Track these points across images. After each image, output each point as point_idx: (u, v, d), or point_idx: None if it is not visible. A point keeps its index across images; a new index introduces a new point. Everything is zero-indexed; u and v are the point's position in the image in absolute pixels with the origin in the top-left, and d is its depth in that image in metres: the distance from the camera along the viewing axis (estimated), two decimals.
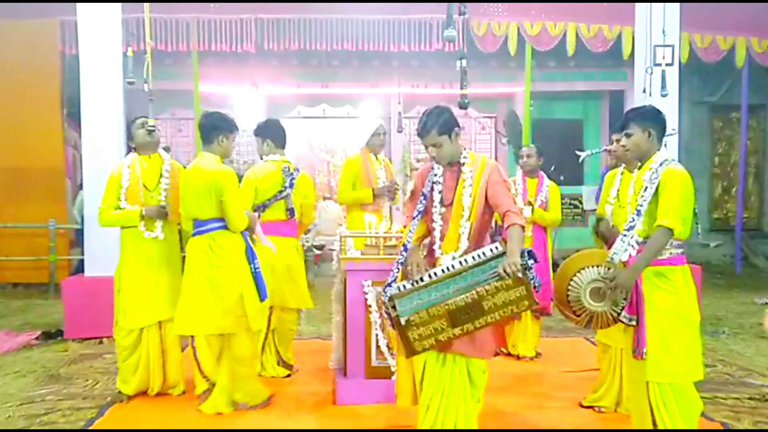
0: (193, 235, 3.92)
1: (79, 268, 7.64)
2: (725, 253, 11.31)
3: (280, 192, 4.53)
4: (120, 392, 4.23)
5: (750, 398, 4.20)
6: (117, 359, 4.29)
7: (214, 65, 9.96)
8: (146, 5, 4.70)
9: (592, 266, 2.95)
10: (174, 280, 4.19)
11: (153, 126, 4.25)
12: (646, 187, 2.90)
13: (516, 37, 8.84)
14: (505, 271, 2.74)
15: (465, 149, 3.18)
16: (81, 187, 8.19)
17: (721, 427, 3.72)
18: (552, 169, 4.48)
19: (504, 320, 2.96)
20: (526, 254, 2.81)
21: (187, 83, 9.13)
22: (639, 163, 3.06)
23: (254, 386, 4.08)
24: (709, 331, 6.15)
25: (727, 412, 3.95)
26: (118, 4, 6.11)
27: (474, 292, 2.80)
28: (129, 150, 4.44)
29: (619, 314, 2.92)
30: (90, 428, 3.77)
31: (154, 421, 3.86)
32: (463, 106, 4.12)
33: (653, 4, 5.86)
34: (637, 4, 6.62)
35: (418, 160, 12.17)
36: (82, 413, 3.98)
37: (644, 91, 5.17)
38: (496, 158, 12.66)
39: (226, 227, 3.84)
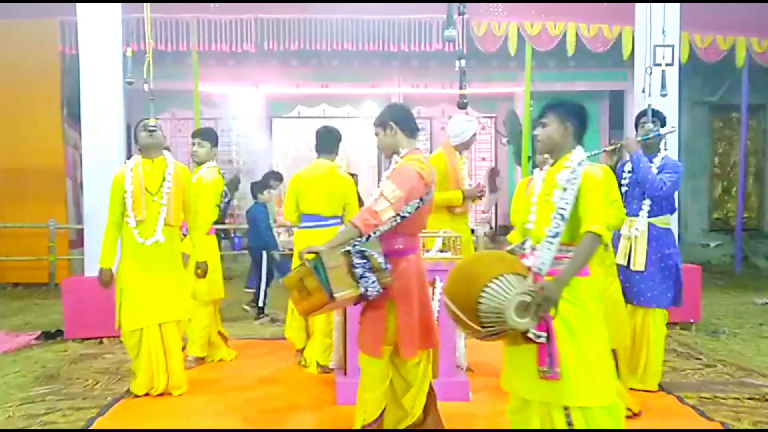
0: (310, 227, 4.63)
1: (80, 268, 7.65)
2: (725, 253, 11.31)
3: None
4: (128, 389, 4.29)
5: (750, 398, 4.20)
6: (118, 359, 4.30)
7: (214, 65, 9.97)
8: (146, 5, 4.68)
9: (514, 275, 2.62)
10: (174, 282, 4.20)
11: (153, 127, 4.23)
12: (565, 189, 2.68)
13: (516, 37, 8.83)
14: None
15: (408, 150, 3.21)
16: (81, 187, 8.19)
17: (721, 427, 3.72)
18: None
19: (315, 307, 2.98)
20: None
21: (187, 83, 9.13)
22: (549, 158, 2.86)
23: None
24: (709, 331, 6.15)
25: (727, 412, 3.95)
26: (118, 4, 6.11)
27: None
28: (134, 153, 4.47)
29: (527, 330, 2.61)
30: (90, 428, 3.77)
31: (155, 421, 3.87)
32: (462, 106, 4.12)
33: (653, 4, 5.85)
34: (637, 4, 6.62)
35: None
36: (82, 413, 3.99)
37: (644, 91, 5.16)
38: (496, 158, 12.69)
39: (342, 223, 4.63)
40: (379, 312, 3.17)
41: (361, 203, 5.46)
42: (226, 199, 10.54)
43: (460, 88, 4.07)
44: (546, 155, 2.88)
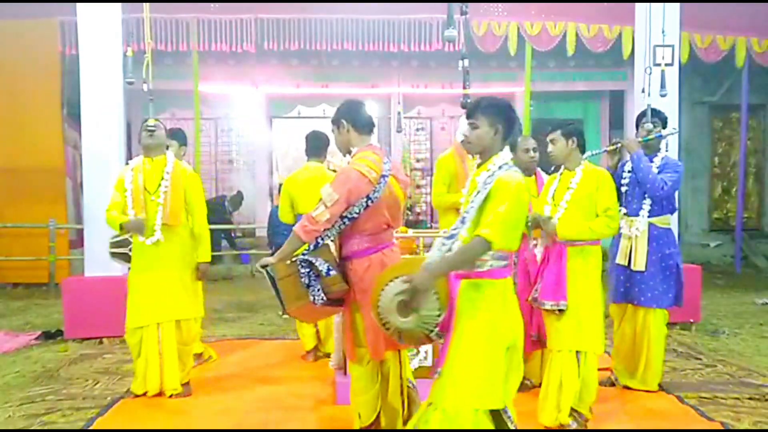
0: None
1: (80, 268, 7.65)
2: (725, 253, 11.31)
3: None
4: (129, 389, 4.30)
5: (750, 398, 4.20)
6: (118, 359, 4.29)
7: (214, 65, 9.98)
8: (146, 5, 4.68)
9: (400, 278, 2.63)
10: (176, 282, 4.19)
11: (153, 127, 4.23)
12: (479, 192, 2.63)
13: (516, 37, 8.83)
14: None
15: (360, 148, 3.19)
16: (81, 187, 8.19)
17: (721, 427, 3.72)
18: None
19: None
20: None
21: (187, 83, 9.13)
22: (479, 159, 2.83)
23: None
24: (709, 331, 6.15)
25: (727, 412, 3.95)
26: (118, 4, 6.11)
27: None
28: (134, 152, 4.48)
29: (431, 331, 2.64)
30: (90, 428, 3.77)
31: (155, 421, 3.86)
32: (465, 106, 4.10)
33: (653, 4, 5.84)
34: (637, 4, 6.62)
35: (417, 160, 12.20)
36: (82, 413, 3.98)
37: (644, 91, 5.16)
38: None
39: None
40: (348, 316, 3.20)
41: None
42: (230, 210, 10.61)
43: (464, 87, 4.06)
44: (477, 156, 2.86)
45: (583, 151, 3.73)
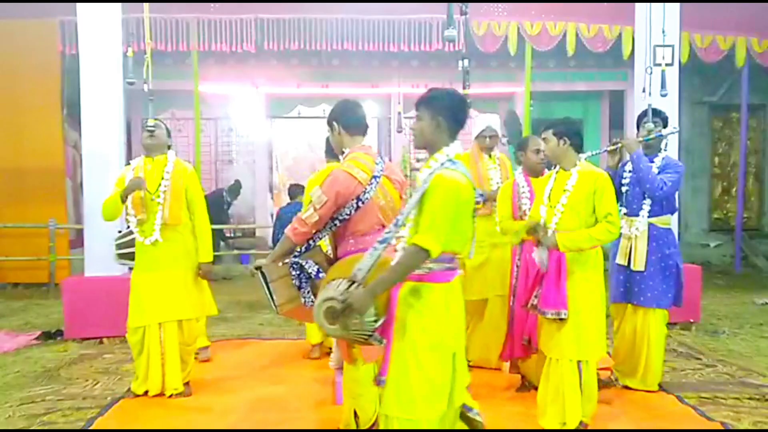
0: None
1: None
2: (725, 253, 11.31)
3: None
4: (129, 389, 4.30)
5: (750, 398, 4.20)
6: (118, 359, 4.30)
7: (214, 65, 9.97)
8: (146, 5, 4.69)
9: (342, 279, 2.56)
10: (177, 282, 4.19)
11: (152, 127, 4.22)
12: (417, 190, 2.54)
13: (516, 37, 8.83)
14: None
15: (351, 149, 3.20)
16: (81, 187, 8.20)
17: (721, 427, 3.72)
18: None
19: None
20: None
21: (187, 83, 9.13)
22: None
23: None
24: (709, 331, 6.15)
25: (727, 412, 3.95)
26: (118, 4, 6.11)
27: None
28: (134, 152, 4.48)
29: (370, 335, 2.56)
30: (90, 428, 3.77)
31: (155, 421, 3.86)
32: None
33: (653, 4, 5.85)
34: (637, 4, 6.62)
35: (417, 160, 12.19)
36: (82, 413, 3.99)
37: (644, 91, 5.17)
38: None
39: None
40: None
41: None
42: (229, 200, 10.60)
43: (464, 88, 4.07)
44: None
45: (579, 151, 3.58)
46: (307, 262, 3.08)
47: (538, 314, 3.55)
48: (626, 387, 4.33)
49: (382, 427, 2.58)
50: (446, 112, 2.60)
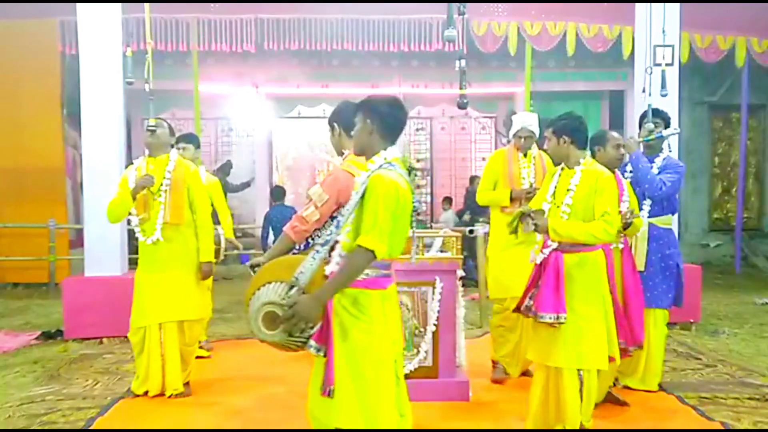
0: None
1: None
2: (725, 253, 11.31)
3: None
4: (129, 389, 4.31)
5: (750, 398, 4.20)
6: (118, 359, 4.30)
7: (214, 65, 9.97)
8: (146, 5, 4.68)
9: (280, 283, 2.47)
10: (179, 282, 4.19)
11: (153, 126, 4.22)
12: (356, 193, 2.51)
13: (516, 37, 8.83)
14: None
15: (350, 150, 3.18)
16: (81, 187, 8.19)
17: (721, 427, 3.72)
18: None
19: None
20: None
21: (187, 83, 9.13)
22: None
23: None
24: (709, 331, 6.15)
25: (727, 412, 3.95)
26: (118, 4, 6.11)
27: None
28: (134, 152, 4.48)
29: (305, 342, 2.48)
30: (90, 428, 3.77)
31: (155, 421, 3.86)
32: (461, 106, 4.10)
33: (653, 4, 5.85)
34: (637, 4, 6.62)
35: (417, 160, 12.20)
36: (82, 413, 3.98)
37: (644, 91, 5.17)
38: None
39: None
40: None
41: None
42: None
43: (461, 88, 4.06)
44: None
45: (582, 147, 3.44)
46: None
47: (533, 318, 3.34)
48: (626, 387, 4.32)
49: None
50: (377, 118, 2.59)
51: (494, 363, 4.62)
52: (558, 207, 3.40)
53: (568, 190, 3.37)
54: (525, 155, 4.57)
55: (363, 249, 2.38)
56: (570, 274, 3.29)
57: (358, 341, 2.46)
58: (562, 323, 3.22)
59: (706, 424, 3.76)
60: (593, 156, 3.79)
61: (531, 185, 4.48)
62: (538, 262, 3.38)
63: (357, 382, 2.44)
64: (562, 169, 3.49)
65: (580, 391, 3.28)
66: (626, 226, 3.63)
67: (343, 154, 3.34)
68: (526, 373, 4.54)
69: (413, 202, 2.63)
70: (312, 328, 2.45)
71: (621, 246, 3.85)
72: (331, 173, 3.18)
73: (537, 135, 4.55)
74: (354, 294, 2.47)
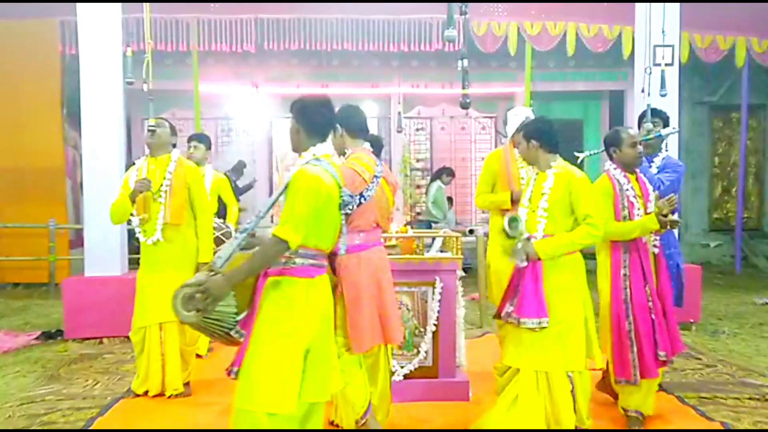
0: None
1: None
2: (725, 253, 11.31)
3: None
4: (129, 389, 4.31)
5: (750, 398, 4.20)
6: (118, 359, 4.30)
7: (214, 65, 9.97)
8: (146, 5, 4.68)
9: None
10: (180, 283, 4.17)
11: (154, 126, 4.22)
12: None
13: (516, 37, 8.83)
14: None
15: (353, 150, 3.37)
16: (81, 187, 8.19)
17: (721, 427, 3.72)
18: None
19: None
20: None
21: (187, 83, 9.12)
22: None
23: None
24: (709, 331, 6.15)
25: (727, 412, 3.95)
26: (118, 4, 6.11)
27: None
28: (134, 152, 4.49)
29: (231, 328, 2.54)
30: (90, 428, 3.77)
31: (155, 421, 3.86)
32: (464, 106, 4.09)
33: (653, 4, 5.85)
34: (637, 4, 6.62)
35: (417, 160, 12.20)
36: (82, 413, 3.99)
37: (644, 91, 5.18)
38: None
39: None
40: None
41: None
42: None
43: (463, 88, 4.04)
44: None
45: (553, 151, 3.40)
46: None
47: (515, 324, 3.29)
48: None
49: (233, 420, 2.54)
50: (302, 117, 2.75)
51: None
52: (534, 212, 3.36)
53: (542, 194, 3.35)
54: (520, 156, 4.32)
55: (276, 238, 2.48)
56: (549, 278, 3.26)
57: (269, 325, 2.51)
58: (545, 327, 3.20)
59: (706, 424, 3.76)
60: (610, 159, 3.75)
61: None
62: (525, 264, 3.30)
63: (260, 366, 2.49)
64: (537, 173, 3.47)
65: (572, 392, 3.27)
66: (664, 224, 3.50)
67: (345, 154, 3.44)
68: None
69: (343, 196, 2.73)
70: (238, 314, 2.51)
71: (656, 250, 3.72)
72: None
73: None
74: (279, 281, 2.57)
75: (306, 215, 2.52)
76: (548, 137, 3.39)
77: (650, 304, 3.56)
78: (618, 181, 3.72)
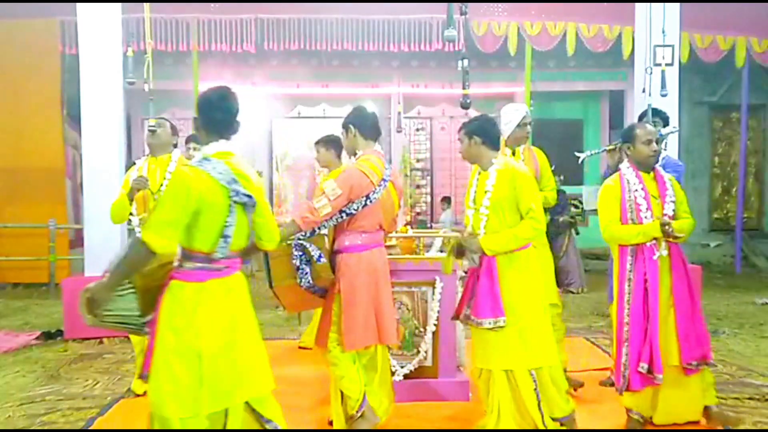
0: None
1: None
2: (725, 253, 11.32)
3: None
4: (129, 389, 4.30)
5: (750, 398, 4.21)
6: (118, 359, 4.29)
7: (214, 65, 9.96)
8: (146, 5, 4.69)
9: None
10: None
11: (154, 126, 4.21)
12: None
13: (516, 37, 8.83)
14: None
15: (364, 151, 3.39)
16: (81, 187, 8.20)
17: (721, 427, 3.72)
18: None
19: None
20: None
21: (187, 83, 9.13)
22: None
23: None
24: (709, 331, 6.14)
25: (727, 412, 3.94)
26: (118, 4, 6.12)
27: None
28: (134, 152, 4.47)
29: (140, 329, 2.58)
30: (90, 428, 3.77)
31: None
32: (465, 106, 4.09)
33: (653, 4, 5.85)
34: (637, 4, 6.63)
35: (417, 160, 12.20)
36: (82, 413, 3.98)
37: (644, 91, 5.18)
38: None
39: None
40: (329, 304, 3.34)
41: None
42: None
43: (464, 88, 4.05)
44: None
45: (494, 148, 3.36)
46: (310, 245, 3.23)
47: (473, 326, 3.28)
48: None
49: (150, 423, 2.51)
50: (200, 113, 2.72)
51: None
52: (478, 211, 3.34)
53: (485, 191, 3.31)
54: (513, 153, 4.21)
55: (137, 240, 2.40)
56: (504, 276, 3.24)
57: (164, 330, 2.45)
58: (502, 327, 3.18)
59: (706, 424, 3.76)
60: (626, 156, 3.60)
61: None
62: (477, 265, 3.29)
63: (160, 370, 2.44)
64: (479, 172, 3.42)
65: (536, 390, 3.23)
66: (668, 235, 3.36)
67: (356, 154, 3.47)
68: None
69: (234, 197, 2.52)
70: (142, 316, 2.54)
71: (665, 253, 3.47)
72: (344, 170, 3.32)
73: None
74: (171, 285, 2.49)
75: (170, 218, 2.39)
76: (490, 134, 3.35)
77: (649, 312, 3.45)
78: (628, 180, 3.54)
